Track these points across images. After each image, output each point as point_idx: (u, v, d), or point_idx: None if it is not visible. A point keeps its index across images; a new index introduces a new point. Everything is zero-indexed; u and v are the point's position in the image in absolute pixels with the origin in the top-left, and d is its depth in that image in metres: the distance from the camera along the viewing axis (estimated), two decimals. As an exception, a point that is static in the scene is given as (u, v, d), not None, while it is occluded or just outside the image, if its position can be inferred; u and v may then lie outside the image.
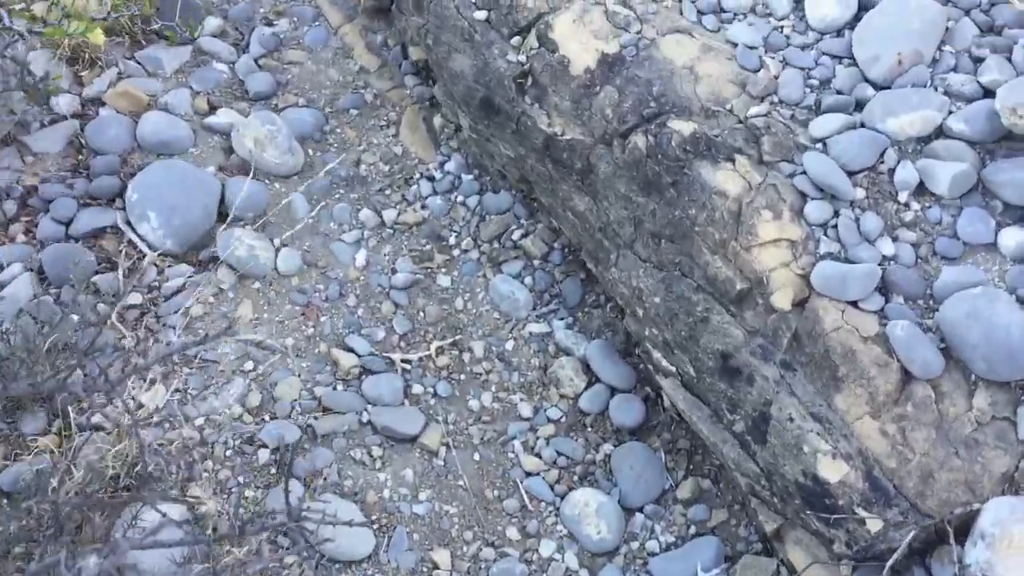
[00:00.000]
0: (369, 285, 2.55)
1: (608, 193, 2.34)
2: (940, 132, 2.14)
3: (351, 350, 2.39)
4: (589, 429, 2.35)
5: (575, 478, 2.27)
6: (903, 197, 2.12)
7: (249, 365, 2.32)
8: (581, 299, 2.55)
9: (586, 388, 2.38)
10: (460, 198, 2.71)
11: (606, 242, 2.38)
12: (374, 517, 2.17)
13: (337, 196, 2.70)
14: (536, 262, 2.61)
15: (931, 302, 1.99)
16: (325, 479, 2.16)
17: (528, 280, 2.57)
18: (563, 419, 2.36)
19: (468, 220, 2.67)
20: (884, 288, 2.01)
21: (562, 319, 2.51)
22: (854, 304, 2.00)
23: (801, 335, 2.00)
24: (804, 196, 2.15)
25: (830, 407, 1.95)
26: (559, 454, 2.30)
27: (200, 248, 2.50)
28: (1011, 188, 2.03)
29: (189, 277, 2.44)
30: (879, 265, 2.05)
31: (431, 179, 2.75)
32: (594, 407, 2.36)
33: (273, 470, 2.14)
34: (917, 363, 1.90)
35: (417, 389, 2.37)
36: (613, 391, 2.38)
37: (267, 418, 2.24)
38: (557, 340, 2.46)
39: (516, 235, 2.62)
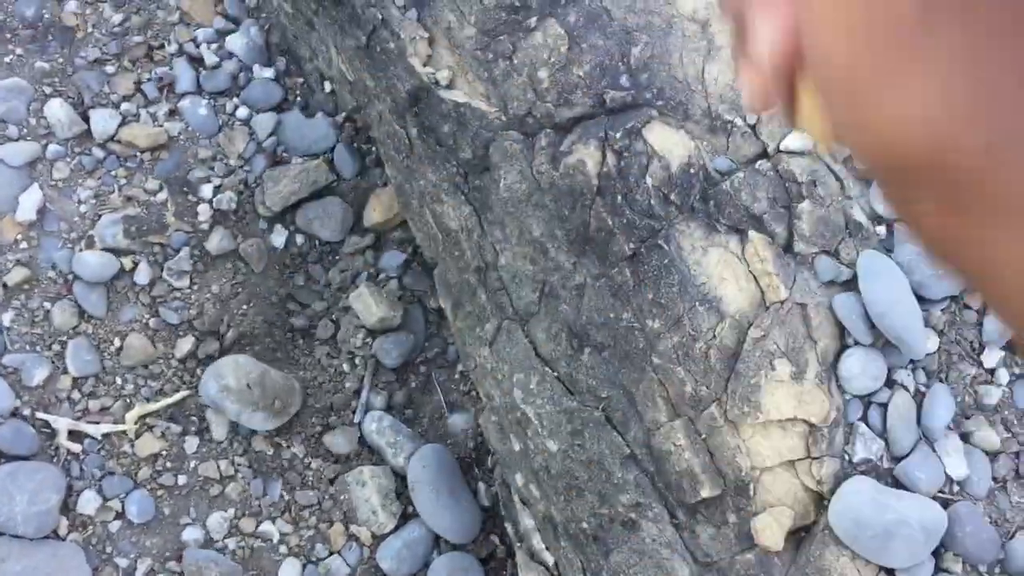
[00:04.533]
0: (36, 263, 1.50)
1: (508, 222, 1.40)
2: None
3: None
4: (386, 608, 1.52)
5: None
6: (990, 358, 1.36)
7: None
8: (412, 351, 1.63)
9: (396, 529, 1.53)
10: (241, 110, 1.64)
11: (482, 296, 1.46)
12: None
13: (12, 59, 1.56)
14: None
15: (1000, 574, 1.28)
16: None
17: (333, 300, 1.61)
18: (345, 585, 1.51)
19: (248, 159, 1.63)
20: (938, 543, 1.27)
21: (382, 390, 1.59)
22: (890, 573, 1.26)
23: (789, 601, 1.24)
24: (843, 335, 1.33)
25: None
26: (326, 657, 1.48)
27: None
28: None
29: None
30: (941, 495, 1.31)
31: (197, 62, 1.65)
32: (402, 568, 1.52)
33: None
34: None
35: (88, 504, 1.42)
36: (437, 541, 1.55)
37: None
38: (365, 429, 1.55)
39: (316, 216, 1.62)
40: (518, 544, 1.50)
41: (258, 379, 1.45)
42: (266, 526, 1.47)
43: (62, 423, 1.41)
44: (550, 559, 1.44)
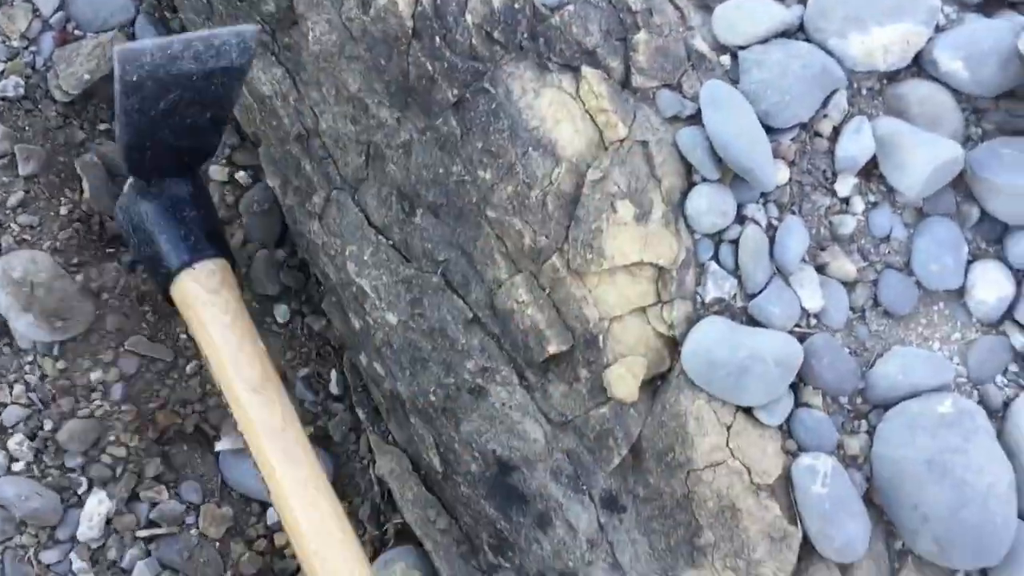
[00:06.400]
0: None
1: (323, 80, 1.30)
2: (917, 65, 1.35)
3: None
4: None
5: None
6: (844, 187, 1.33)
7: None
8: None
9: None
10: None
11: (307, 166, 1.37)
12: None
13: None
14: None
15: (862, 404, 1.28)
16: None
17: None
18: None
19: (34, 39, 1.48)
20: (796, 377, 1.26)
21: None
22: (748, 412, 1.24)
23: (646, 452, 1.22)
24: (690, 173, 1.29)
25: (673, 589, 1.23)
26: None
27: None
28: (1005, 197, 1.30)
29: None
30: (797, 328, 1.29)
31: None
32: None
33: None
34: (836, 542, 1.20)
35: None
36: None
37: None
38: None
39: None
40: (370, 428, 1.46)
41: (47, 281, 1.33)
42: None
43: None
44: (402, 438, 1.39)
